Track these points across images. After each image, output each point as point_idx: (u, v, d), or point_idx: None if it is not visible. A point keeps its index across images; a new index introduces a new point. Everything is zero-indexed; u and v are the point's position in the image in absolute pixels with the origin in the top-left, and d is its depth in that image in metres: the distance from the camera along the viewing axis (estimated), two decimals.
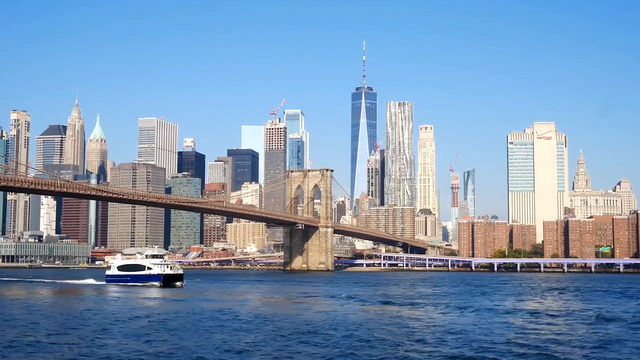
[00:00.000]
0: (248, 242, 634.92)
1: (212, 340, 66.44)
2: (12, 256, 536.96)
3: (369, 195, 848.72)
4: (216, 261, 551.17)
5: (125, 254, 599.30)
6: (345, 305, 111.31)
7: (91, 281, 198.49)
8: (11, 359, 56.21)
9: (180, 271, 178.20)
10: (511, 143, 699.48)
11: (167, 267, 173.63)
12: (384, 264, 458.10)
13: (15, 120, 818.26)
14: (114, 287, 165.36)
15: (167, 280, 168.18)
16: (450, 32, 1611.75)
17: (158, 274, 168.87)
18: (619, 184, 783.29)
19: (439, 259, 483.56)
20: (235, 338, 68.25)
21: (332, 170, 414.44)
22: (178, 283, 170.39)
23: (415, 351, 60.40)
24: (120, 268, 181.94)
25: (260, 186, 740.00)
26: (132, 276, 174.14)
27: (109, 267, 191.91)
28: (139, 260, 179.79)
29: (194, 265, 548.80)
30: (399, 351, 60.36)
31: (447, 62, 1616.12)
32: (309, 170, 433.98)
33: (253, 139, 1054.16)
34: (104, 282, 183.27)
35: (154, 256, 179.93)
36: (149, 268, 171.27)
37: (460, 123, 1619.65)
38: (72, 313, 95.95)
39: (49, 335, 70.41)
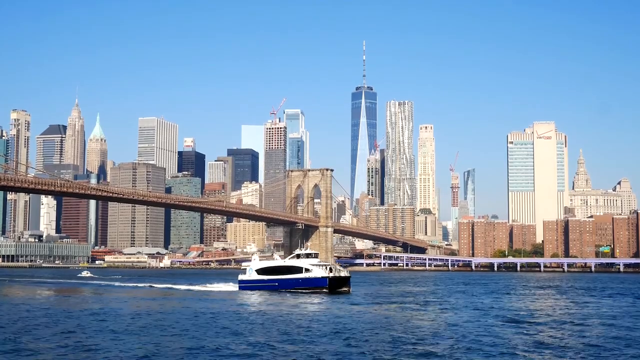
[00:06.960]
0: (248, 241, 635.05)
1: None
2: (12, 256, 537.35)
3: (369, 195, 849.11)
4: (216, 261, 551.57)
5: (124, 253, 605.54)
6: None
7: (221, 287, 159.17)
8: None
9: (345, 273, 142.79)
10: (511, 143, 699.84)
11: (327, 269, 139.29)
12: (384, 264, 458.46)
13: (15, 120, 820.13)
14: (260, 295, 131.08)
15: (334, 285, 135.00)
16: (450, 32, 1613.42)
17: (323, 277, 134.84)
18: (619, 183, 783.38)
19: (439, 259, 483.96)
20: None
21: (332, 170, 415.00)
22: (344, 288, 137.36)
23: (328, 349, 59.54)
24: (261, 271, 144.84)
25: (260, 186, 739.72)
26: (282, 281, 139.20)
27: (243, 271, 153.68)
28: (290, 261, 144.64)
29: (194, 265, 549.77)
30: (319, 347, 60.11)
31: (447, 62, 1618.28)
32: (309, 170, 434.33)
33: (253, 138, 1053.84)
34: (237, 289, 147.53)
35: (308, 255, 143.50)
36: (307, 270, 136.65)
37: (460, 123, 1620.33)
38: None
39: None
